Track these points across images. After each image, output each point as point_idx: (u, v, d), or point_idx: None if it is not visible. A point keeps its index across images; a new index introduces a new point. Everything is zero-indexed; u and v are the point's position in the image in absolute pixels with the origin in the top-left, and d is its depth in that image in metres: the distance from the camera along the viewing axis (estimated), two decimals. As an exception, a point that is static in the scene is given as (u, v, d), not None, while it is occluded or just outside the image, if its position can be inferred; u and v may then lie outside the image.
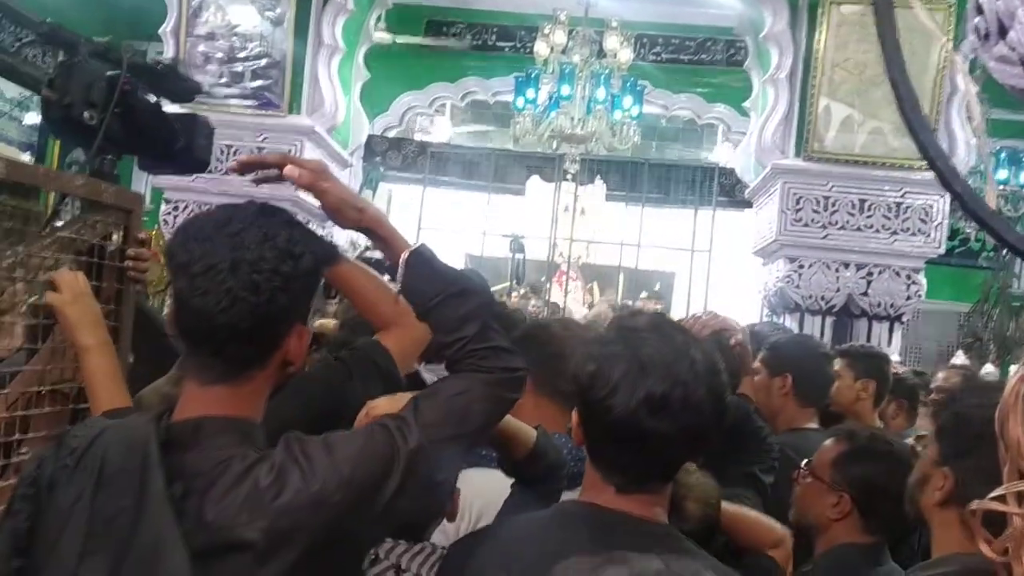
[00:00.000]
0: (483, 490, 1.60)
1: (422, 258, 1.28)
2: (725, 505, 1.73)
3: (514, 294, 9.80)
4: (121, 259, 1.69)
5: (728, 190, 8.92)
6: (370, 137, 8.48)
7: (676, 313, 10.28)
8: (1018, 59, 0.86)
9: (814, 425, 2.62)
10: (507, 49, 8.91)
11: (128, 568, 1.03)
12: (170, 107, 1.79)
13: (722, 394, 1.23)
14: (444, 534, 1.56)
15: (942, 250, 4.74)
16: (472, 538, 1.31)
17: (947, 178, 0.82)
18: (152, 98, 1.72)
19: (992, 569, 1.22)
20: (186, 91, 1.81)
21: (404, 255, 1.27)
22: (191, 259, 1.10)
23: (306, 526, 1.06)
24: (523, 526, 1.30)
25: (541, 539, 1.23)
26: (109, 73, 1.60)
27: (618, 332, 1.25)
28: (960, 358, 7.00)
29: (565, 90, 7.19)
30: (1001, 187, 6.86)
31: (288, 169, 1.21)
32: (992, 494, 0.92)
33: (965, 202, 0.82)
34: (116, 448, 1.10)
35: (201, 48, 5.18)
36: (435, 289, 1.25)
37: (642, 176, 9.30)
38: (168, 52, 5.09)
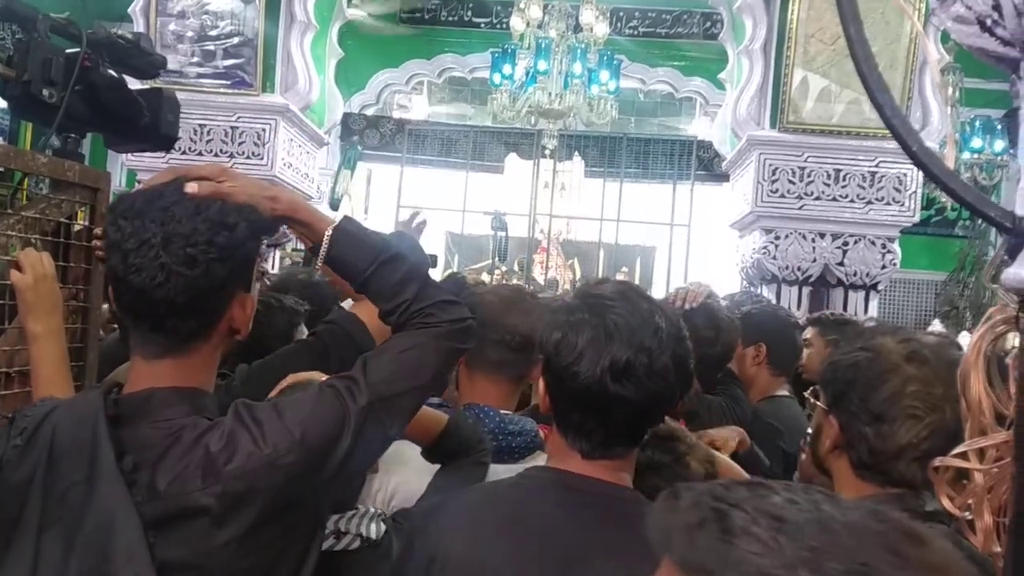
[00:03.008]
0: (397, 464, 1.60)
1: (347, 232, 1.27)
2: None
3: (496, 272, 9.80)
4: (88, 239, 1.67)
5: (706, 164, 8.95)
6: (347, 115, 8.43)
7: (657, 287, 10.33)
8: (975, 18, 0.86)
9: (786, 392, 2.67)
10: (483, 25, 8.87)
11: (83, 540, 1.04)
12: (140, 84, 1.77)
13: (687, 361, 1.24)
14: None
15: (916, 219, 4.76)
16: (432, 506, 1.32)
17: (903, 136, 0.83)
18: (115, 74, 1.70)
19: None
20: (151, 66, 1.78)
21: (328, 232, 1.26)
22: (122, 236, 1.10)
23: (260, 488, 1.07)
24: (489, 490, 1.30)
25: (507, 503, 1.25)
26: (69, 50, 1.58)
27: (584, 300, 1.25)
28: (937, 326, 7.08)
29: (542, 65, 7.16)
30: (976, 156, 6.91)
31: (188, 187, 1.16)
32: (954, 451, 0.94)
33: (921, 160, 0.82)
34: (65, 425, 1.11)
35: (172, 27, 5.10)
36: (367, 259, 1.25)
37: (620, 151, 9.31)
38: (138, 31, 5.01)
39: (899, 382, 1.28)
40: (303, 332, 2.08)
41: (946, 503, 0.95)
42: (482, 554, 1.18)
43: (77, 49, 1.59)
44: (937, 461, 0.95)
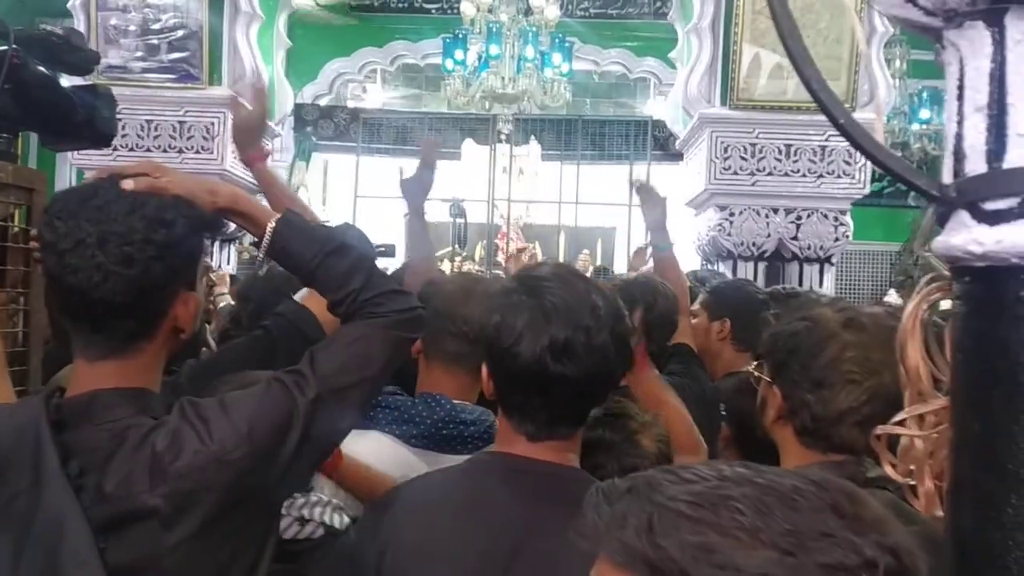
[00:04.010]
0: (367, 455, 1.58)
1: (291, 224, 1.26)
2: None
3: (456, 259, 9.76)
4: (26, 240, 1.64)
5: (662, 143, 8.97)
6: (300, 106, 8.34)
7: (618, 267, 10.37)
8: (899, -12, 0.86)
9: (751, 368, 2.65)
10: (434, 10, 8.82)
11: (31, 550, 1.02)
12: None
13: (626, 338, 1.25)
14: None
15: (867, 191, 4.82)
16: (391, 491, 1.32)
17: (829, 108, 0.83)
18: (46, 72, 1.66)
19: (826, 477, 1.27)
20: (84, 62, 1.74)
21: (271, 225, 1.24)
22: (58, 237, 1.08)
23: (209, 486, 1.05)
24: (438, 479, 1.31)
25: (455, 489, 1.25)
26: (-5, 47, 1.54)
27: (521, 283, 1.26)
28: (892, 296, 7.18)
29: (494, 49, 7.15)
30: (924, 127, 7.02)
31: (123, 184, 1.13)
32: (894, 418, 0.95)
33: (848, 132, 0.83)
34: (6, 432, 1.08)
35: (113, 22, 4.99)
36: (312, 251, 1.23)
37: (576, 133, 9.30)
38: (79, 27, 4.90)
39: (837, 348, 1.31)
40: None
41: (888, 470, 0.96)
42: (432, 542, 1.18)
43: (4, 47, 1.54)
44: (879, 429, 0.97)
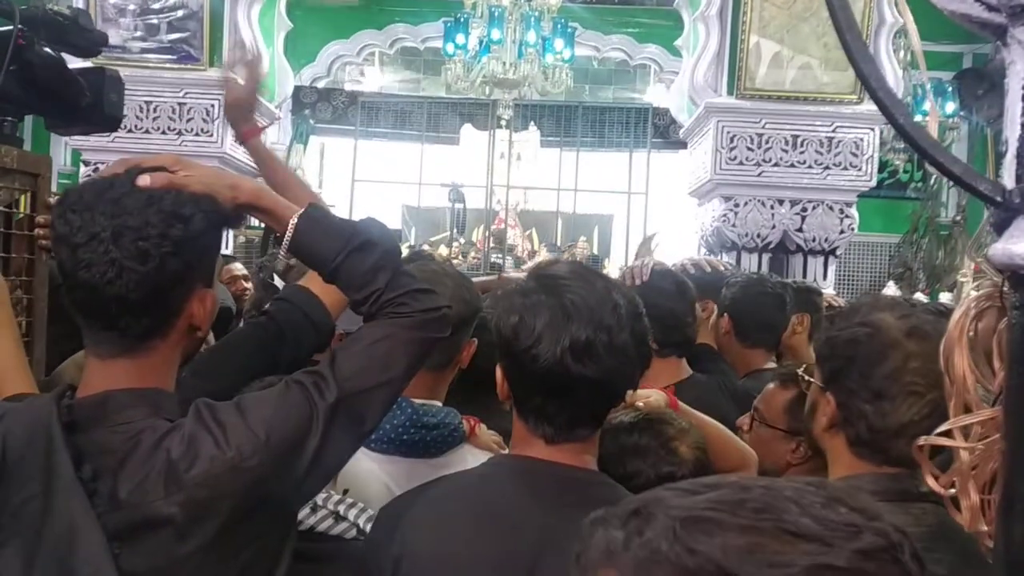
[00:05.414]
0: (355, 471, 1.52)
1: (314, 219, 1.21)
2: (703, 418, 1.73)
3: (454, 244, 9.76)
4: (30, 227, 1.60)
5: (662, 131, 8.95)
6: (298, 88, 8.27)
7: (616, 255, 10.37)
8: (957, -18, 0.83)
9: (772, 365, 2.58)
10: (434, -7, 8.74)
11: (43, 557, 0.99)
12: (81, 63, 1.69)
13: (645, 337, 1.23)
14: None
15: (873, 183, 4.78)
16: (404, 497, 1.28)
17: (889, 108, 0.79)
18: (53, 53, 1.61)
19: (874, 489, 1.24)
20: (91, 43, 1.70)
21: (293, 220, 1.20)
22: (71, 230, 1.04)
23: (225, 494, 1.03)
24: (454, 482, 1.28)
25: (472, 495, 1.22)
26: (0, 28, 1.49)
27: (539, 281, 1.22)
28: (891, 288, 7.18)
29: (495, 34, 7.10)
30: (927, 118, 6.98)
31: (139, 180, 1.09)
32: (939, 429, 0.92)
33: (908, 133, 0.79)
34: (17, 434, 1.05)
35: (112, 0, 4.92)
36: (335, 247, 1.19)
37: (576, 120, 9.27)
38: (78, 5, 4.84)
39: (900, 358, 1.24)
40: None
41: (931, 481, 0.93)
42: (451, 548, 1.16)
43: (9, 27, 1.50)
44: (921, 440, 0.93)
